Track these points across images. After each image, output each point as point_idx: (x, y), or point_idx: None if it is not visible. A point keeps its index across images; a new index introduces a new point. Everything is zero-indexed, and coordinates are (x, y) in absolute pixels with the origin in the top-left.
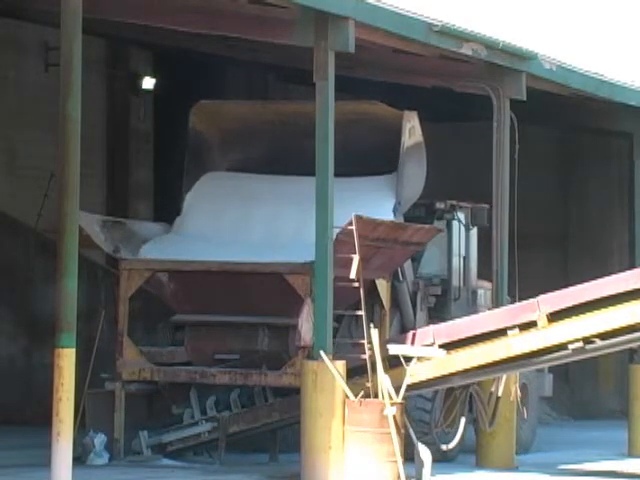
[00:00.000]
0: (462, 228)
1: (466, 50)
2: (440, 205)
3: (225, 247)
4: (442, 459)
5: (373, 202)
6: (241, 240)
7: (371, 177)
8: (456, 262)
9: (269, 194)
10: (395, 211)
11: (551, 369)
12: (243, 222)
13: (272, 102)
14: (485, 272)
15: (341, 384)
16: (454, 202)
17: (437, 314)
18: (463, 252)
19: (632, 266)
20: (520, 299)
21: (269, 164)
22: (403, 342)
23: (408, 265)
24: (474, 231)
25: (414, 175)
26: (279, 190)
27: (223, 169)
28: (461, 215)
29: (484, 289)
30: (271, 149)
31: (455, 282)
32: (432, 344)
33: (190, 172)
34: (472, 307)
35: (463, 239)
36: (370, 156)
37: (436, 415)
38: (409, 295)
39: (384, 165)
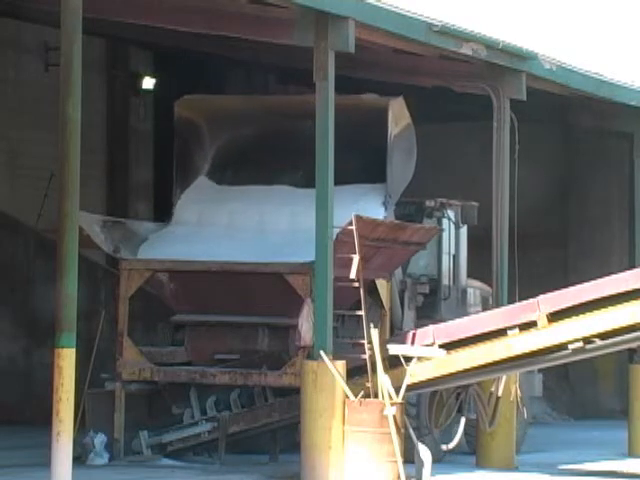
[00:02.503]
0: (452, 226)
1: (466, 50)
2: (430, 203)
3: (221, 239)
4: (436, 460)
5: (362, 199)
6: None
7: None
8: (446, 261)
9: (259, 198)
10: (386, 205)
11: (551, 369)
12: (235, 217)
13: (256, 96)
14: (481, 272)
15: (341, 384)
16: (444, 200)
17: (426, 313)
18: (453, 250)
19: (632, 266)
20: (520, 299)
21: (257, 147)
22: (403, 342)
23: None
24: (464, 229)
25: (403, 162)
26: (269, 195)
27: (211, 155)
28: (451, 213)
29: (474, 288)
30: (259, 133)
31: (445, 281)
32: (432, 344)
33: (180, 161)
34: (462, 306)
35: (453, 237)
36: (359, 148)
37: (424, 419)
38: (397, 293)
39: (374, 154)
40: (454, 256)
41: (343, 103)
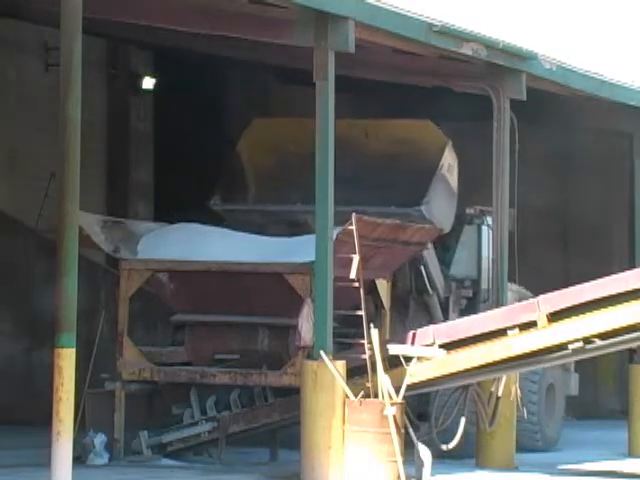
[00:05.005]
0: (490, 232)
1: (466, 50)
2: (470, 211)
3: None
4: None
5: None
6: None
7: None
8: (485, 265)
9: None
10: (422, 205)
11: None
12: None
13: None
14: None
15: (341, 384)
16: (483, 207)
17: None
18: (492, 255)
19: (632, 266)
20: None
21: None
22: (403, 342)
23: (437, 273)
24: None
25: (443, 201)
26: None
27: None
28: (489, 219)
29: (511, 291)
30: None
31: (484, 284)
32: (432, 344)
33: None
34: None
35: (491, 242)
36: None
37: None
38: (440, 304)
39: (414, 188)
40: (493, 260)
41: (408, 129)
